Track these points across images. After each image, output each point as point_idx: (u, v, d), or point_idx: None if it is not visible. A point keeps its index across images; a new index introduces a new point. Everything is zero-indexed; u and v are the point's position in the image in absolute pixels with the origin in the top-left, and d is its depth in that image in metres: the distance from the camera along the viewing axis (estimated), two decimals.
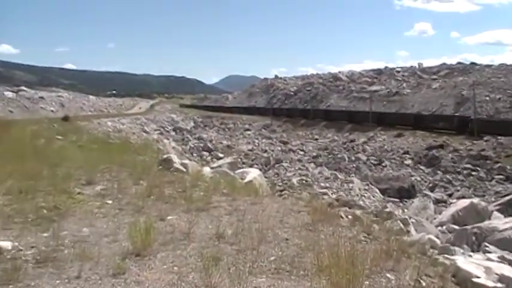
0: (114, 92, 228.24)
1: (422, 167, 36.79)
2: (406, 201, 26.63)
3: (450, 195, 28.67)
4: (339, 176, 29.65)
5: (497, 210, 18.15)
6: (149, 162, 14.05)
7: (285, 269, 5.35)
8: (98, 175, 11.06)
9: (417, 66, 79.12)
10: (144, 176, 11.08)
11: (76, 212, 7.80)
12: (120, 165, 12.63)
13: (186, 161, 15.43)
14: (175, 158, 14.26)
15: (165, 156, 14.96)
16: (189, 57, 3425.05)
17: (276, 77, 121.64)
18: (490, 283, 5.51)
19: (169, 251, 5.86)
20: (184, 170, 13.08)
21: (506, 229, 10.83)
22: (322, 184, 26.43)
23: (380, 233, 7.39)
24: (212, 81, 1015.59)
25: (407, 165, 37.97)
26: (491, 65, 68.16)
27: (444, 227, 16.14)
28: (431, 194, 27.92)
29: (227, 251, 5.92)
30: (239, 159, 41.53)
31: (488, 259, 7.22)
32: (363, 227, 7.55)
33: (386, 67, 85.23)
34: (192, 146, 55.09)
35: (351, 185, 26.44)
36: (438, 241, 9.64)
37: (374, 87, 73.40)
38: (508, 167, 33.09)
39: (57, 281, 4.89)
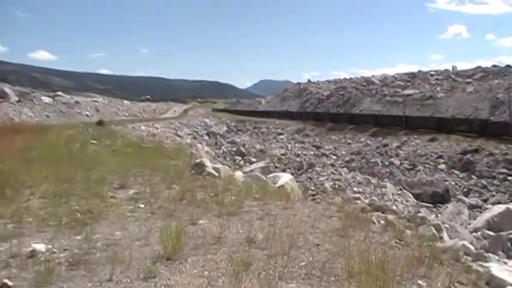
0: (148, 96, 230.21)
1: (456, 172, 36.24)
2: (439, 207, 26.33)
3: (485, 201, 28.25)
4: (372, 180, 29.45)
5: None
6: (182, 167, 14.12)
7: (315, 274, 5.31)
8: (131, 179, 11.14)
9: (451, 70, 77.83)
10: (176, 180, 11.13)
11: (109, 215, 7.86)
12: (153, 170, 12.71)
13: (219, 166, 15.45)
14: (207, 163, 14.28)
15: (197, 160, 15.01)
16: (222, 62, 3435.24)
17: (309, 81, 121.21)
18: None
19: (200, 256, 5.86)
20: (217, 174, 13.09)
21: None
22: (355, 189, 26.28)
23: (412, 238, 7.31)
24: (245, 85, 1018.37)
25: (441, 169, 37.45)
26: None
27: (479, 233, 15.90)
28: (466, 199, 27.52)
29: (258, 256, 5.90)
30: (272, 164, 41.49)
31: None
32: (395, 232, 7.46)
33: (419, 71, 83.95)
34: (225, 150, 55.26)
35: (384, 189, 26.26)
36: (472, 247, 9.49)
37: (407, 91, 72.51)
38: None
39: (89, 284, 4.94)
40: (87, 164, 12.90)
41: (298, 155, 51.13)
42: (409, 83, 77.65)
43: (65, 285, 4.90)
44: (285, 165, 44.02)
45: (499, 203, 24.88)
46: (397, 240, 6.94)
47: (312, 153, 52.41)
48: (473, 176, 34.24)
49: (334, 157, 49.07)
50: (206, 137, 68.40)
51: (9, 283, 4.79)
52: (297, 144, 59.95)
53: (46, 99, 59.18)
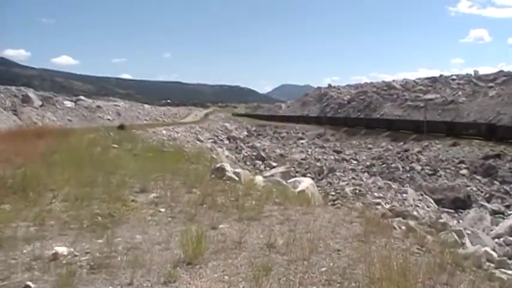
0: (168, 101, 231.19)
1: (478, 177, 35.88)
2: (461, 212, 26.10)
3: (508, 207, 27.90)
4: (393, 185, 29.29)
5: None
6: (202, 171, 14.14)
7: (336, 280, 5.28)
8: (152, 183, 11.17)
9: (473, 74, 77.15)
10: (197, 184, 11.14)
11: (130, 219, 7.89)
12: (174, 174, 12.72)
13: (239, 170, 15.44)
14: (228, 167, 14.28)
15: (218, 165, 15.01)
16: (243, 67, 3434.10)
17: (330, 85, 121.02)
18: None
19: (221, 260, 5.86)
20: (237, 178, 13.08)
21: None
22: (376, 194, 26.14)
23: (434, 245, 7.24)
24: (265, 90, 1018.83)
25: (463, 175, 37.10)
26: None
27: (501, 240, 15.78)
28: (488, 205, 27.23)
29: (278, 261, 5.88)
30: (292, 168, 41.49)
31: None
32: (416, 238, 7.39)
33: (441, 75, 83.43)
34: (245, 154, 55.35)
35: (404, 195, 26.09)
36: (495, 254, 9.40)
37: (429, 96, 72.09)
38: None
39: (110, 287, 4.97)
40: (109, 167, 12.97)
41: (319, 160, 51.00)
42: (430, 88, 77.18)
43: None
44: (305, 170, 43.91)
45: None
46: (419, 247, 6.88)
47: (333, 158, 52.27)
48: (495, 182, 33.87)
49: (355, 162, 48.88)
50: (226, 142, 68.61)
51: (32, 285, 4.83)
52: (317, 149, 59.85)
53: (68, 104, 59.77)
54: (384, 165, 44.55)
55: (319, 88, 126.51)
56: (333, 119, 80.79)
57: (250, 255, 6.08)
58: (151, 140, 31.67)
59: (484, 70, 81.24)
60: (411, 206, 24.05)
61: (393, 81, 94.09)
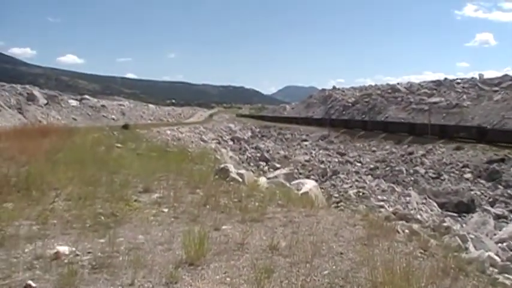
0: (173, 101, 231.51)
1: (482, 181, 35.72)
2: (464, 216, 25.98)
3: None
4: (397, 189, 29.25)
5: None
6: (206, 171, 14.12)
7: (338, 283, 5.26)
8: (155, 183, 11.16)
9: (478, 78, 76.84)
10: (200, 185, 11.13)
11: (132, 219, 7.88)
12: (177, 174, 12.71)
13: (243, 171, 15.41)
14: (231, 168, 14.25)
15: (221, 165, 14.98)
16: (248, 68, 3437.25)
17: (334, 87, 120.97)
18: None
19: (223, 262, 5.84)
20: (241, 180, 13.05)
21: None
22: (379, 197, 26.11)
23: (437, 249, 7.21)
24: (270, 91, 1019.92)
25: (467, 179, 36.96)
26: None
27: (505, 244, 15.68)
28: (492, 209, 27.08)
29: (280, 263, 5.86)
30: (296, 170, 41.42)
31: None
32: (420, 242, 7.35)
33: (446, 78, 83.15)
34: (249, 155, 55.34)
35: (408, 198, 26.05)
36: (498, 259, 9.32)
37: (433, 99, 71.89)
38: None
39: (111, 287, 4.95)
40: (112, 167, 12.98)
41: (323, 162, 50.97)
42: (435, 91, 76.99)
43: None
44: (309, 172, 43.90)
45: None
46: (422, 251, 6.84)
47: (336, 160, 52.21)
48: (499, 186, 33.72)
49: (359, 164, 48.80)
50: (231, 142, 68.68)
51: (33, 284, 4.82)
52: (321, 151, 59.77)
53: (73, 102, 60.01)
54: (387, 168, 44.46)
55: (323, 90, 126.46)
56: (342, 121, 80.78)
57: (252, 257, 6.06)
58: (156, 140, 31.71)
59: (489, 74, 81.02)
60: (415, 209, 24.00)
61: (398, 84, 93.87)
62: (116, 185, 10.21)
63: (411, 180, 37.91)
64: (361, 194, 27.08)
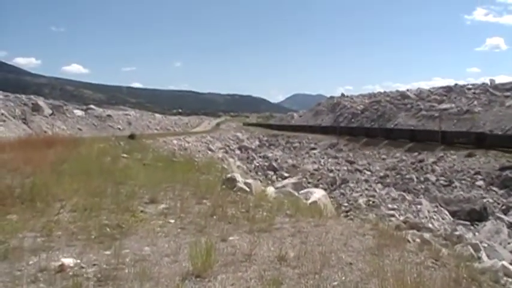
0: (180, 110, 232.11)
1: (495, 189, 35.58)
2: (477, 225, 25.86)
3: None
4: (407, 197, 29.19)
5: None
6: (213, 181, 14.09)
7: None
8: (161, 194, 11.15)
9: (489, 83, 76.52)
10: (207, 195, 11.12)
11: (138, 230, 7.86)
12: (184, 184, 12.70)
13: (250, 181, 15.38)
14: (239, 178, 14.23)
15: (229, 175, 14.96)
16: (255, 76, 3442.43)
17: (343, 95, 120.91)
18: None
19: (230, 273, 5.81)
20: (248, 189, 13.02)
21: None
22: (390, 205, 26.07)
23: (449, 258, 7.15)
24: (278, 99, 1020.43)
25: (479, 186, 36.81)
26: None
27: None
28: (505, 217, 26.93)
29: (289, 274, 5.83)
30: (304, 179, 41.37)
31: None
32: (431, 251, 7.30)
33: (456, 84, 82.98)
34: (256, 164, 55.38)
35: (419, 206, 25.98)
36: None
37: (443, 106, 71.73)
38: None
39: None
40: (118, 177, 12.96)
41: (331, 171, 50.92)
42: (445, 97, 76.83)
43: None
44: (318, 181, 43.88)
45: None
46: (433, 260, 6.80)
47: (346, 168, 52.14)
48: None
49: (368, 173, 48.70)
50: (238, 152, 68.74)
51: None
52: (330, 160, 59.73)
53: (79, 112, 60.22)
54: (398, 176, 44.36)
55: (332, 97, 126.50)
56: (351, 129, 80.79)
57: (260, 268, 6.03)
58: (162, 150, 31.70)
59: (500, 79, 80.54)
60: (426, 217, 23.94)
61: (407, 90, 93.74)
62: (122, 196, 10.21)
63: (422, 188, 37.81)
64: (371, 202, 27.06)
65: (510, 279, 7.34)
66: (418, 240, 8.79)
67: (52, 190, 10.10)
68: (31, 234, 7.29)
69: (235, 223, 8.59)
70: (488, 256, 12.23)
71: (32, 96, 57.84)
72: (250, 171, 47.86)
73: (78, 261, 6.04)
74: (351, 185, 38.85)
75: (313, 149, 72.40)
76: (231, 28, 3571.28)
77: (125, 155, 21.57)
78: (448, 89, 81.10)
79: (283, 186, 20.08)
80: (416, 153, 52.94)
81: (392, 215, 22.33)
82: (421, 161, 49.03)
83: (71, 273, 5.61)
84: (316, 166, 54.44)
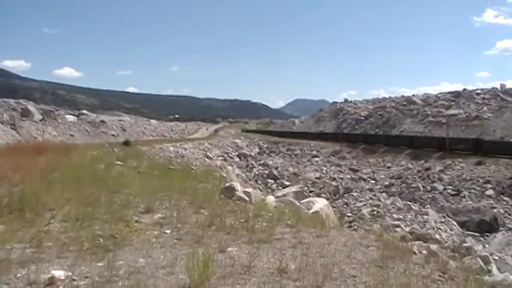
0: (176, 116, 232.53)
1: (506, 198, 35.52)
2: (487, 236, 25.87)
3: None
4: (413, 207, 29.20)
5: None
6: (211, 190, 14.12)
7: None
8: (157, 203, 11.14)
9: (499, 88, 76.59)
10: (205, 204, 11.12)
11: (133, 241, 7.84)
12: (181, 193, 12.71)
13: (250, 189, 15.40)
14: (238, 186, 14.24)
15: (227, 183, 14.98)
16: (255, 81, 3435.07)
17: (346, 100, 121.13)
18: None
19: (228, 286, 5.79)
20: (247, 198, 13.03)
21: None
22: (395, 215, 26.08)
23: (457, 271, 7.13)
24: (278, 105, 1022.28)
25: (489, 196, 36.78)
26: None
27: None
28: None
29: (289, 287, 5.82)
30: (306, 188, 41.45)
31: None
32: (438, 264, 7.29)
33: (464, 89, 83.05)
34: (256, 173, 55.44)
35: (425, 216, 25.99)
36: None
37: (451, 111, 71.76)
38: None
39: None
40: (112, 186, 12.97)
41: (334, 179, 50.97)
42: (453, 103, 76.88)
43: None
44: (320, 190, 43.90)
45: None
46: (441, 273, 6.78)
47: (349, 177, 52.20)
48: None
49: (373, 181, 48.75)
50: (237, 159, 68.81)
51: None
52: (332, 168, 59.78)
53: (71, 118, 60.25)
54: (403, 185, 44.39)
55: (334, 103, 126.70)
56: (354, 136, 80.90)
57: (260, 280, 6.01)
58: (158, 157, 31.75)
59: (511, 84, 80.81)
60: (433, 228, 23.93)
61: (413, 95, 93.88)
62: (116, 205, 10.20)
63: (429, 197, 37.81)
64: (375, 212, 27.08)
65: None
66: (424, 252, 8.78)
67: (42, 199, 10.07)
68: (19, 245, 7.26)
69: (233, 233, 8.58)
70: (499, 269, 12.25)
71: (21, 101, 57.82)
72: (249, 179, 47.96)
73: (70, 273, 6.02)
74: (355, 194, 38.89)
75: (315, 156, 72.45)
76: (230, 31, 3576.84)
77: (119, 163, 21.59)
78: (456, 94, 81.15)
79: (284, 195, 20.12)
80: (422, 161, 52.95)
81: (398, 226, 22.32)
82: (427, 169, 49.03)
83: (61, 287, 5.59)
84: (318, 174, 54.50)
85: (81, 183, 12.52)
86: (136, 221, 9.22)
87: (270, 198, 15.42)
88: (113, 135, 63.52)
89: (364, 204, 31.95)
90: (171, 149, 49.44)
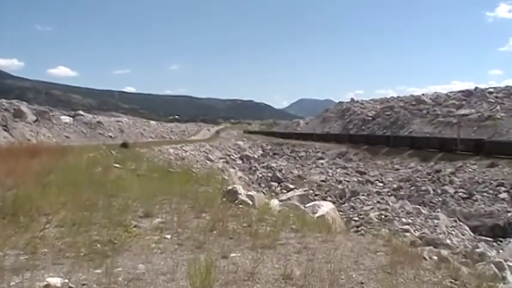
0: (176, 116, 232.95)
1: None
2: (501, 241, 25.83)
3: None
4: (423, 210, 29.19)
5: None
6: (212, 194, 14.11)
7: None
8: (157, 207, 11.15)
9: None
10: (206, 208, 11.13)
11: (132, 246, 7.84)
12: (181, 197, 12.72)
13: (253, 193, 15.41)
14: (240, 189, 14.25)
15: (229, 187, 14.98)
16: (258, 80, 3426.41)
17: (352, 100, 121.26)
18: None
19: None
20: (250, 202, 13.04)
21: None
22: (404, 220, 26.08)
23: (469, 278, 7.12)
24: (282, 105, 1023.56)
25: (503, 199, 36.71)
26: None
27: None
28: None
29: None
30: (311, 191, 41.52)
31: None
32: (450, 270, 7.27)
33: (476, 88, 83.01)
34: (259, 175, 55.46)
35: (436, 221, 25.97)
36: None
37: (463, 111, 71.70)
38: None
39: None
40: (110, 189, 12.96)
41: (340, 182, 51.00)
42: (464, 102, 76.85)
43: None
44: (326, 193, 43.94)
45: None
46: (452, 280, 6.77)
47: (356, 179, 52.24)
48: None
49: (380, 184, 48.78)
50: (239, 161, 68.88)
51: None
52: (338, 170, 59.82)
53: (66, 119, 60.23)
54: (412, 188, 44.40)
55: (340, 103, 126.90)
56: (362, 137, 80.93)
57: (264, 287, 6.01)
58: (157, 160, 31.76)
59: None
60: (443, 233, 23.91)
61: (423, 95, 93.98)
62: (114, 210, 10.19)
63: (439, 201, 37.81)
64: (383, 216, 27.07)
65: None
66: (435, 257, 8.77)
67: (37, 203, 10.07)
68: (13, 251, 7.25)
69: (236, 239, 8.59)
70: None
71: (14, 101, 57.73)
72: (252, 182, 48.01)
73: (66, 280, 6.01)
74: (362, 197, 38.86)
75: (321, 158, 72.56)
76: (232, 28, 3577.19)
77: (117, 165, 21.60)
78: (468, 93, 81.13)
79: (289, 199, 20.19)
80: (432, 163, 52.94)
81: (407, 230, 22.33)
82: (438, 171, 49.01)
83: None
84: (323, 177, 54.51)
85: (77, 187, 12.52)
86: (135, 226, 9.22)
87: (274, 202, 15.40)
88: (111, 136, 63.55)
89: (372, 208, 31.91)
90: (171, 151, 49.50)
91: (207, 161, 52.35)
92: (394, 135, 72.46)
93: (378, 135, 78.04)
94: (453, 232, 24.88)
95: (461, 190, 40.38)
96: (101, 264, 6.63)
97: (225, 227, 9.29)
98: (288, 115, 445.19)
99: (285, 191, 41.08)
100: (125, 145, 38.88)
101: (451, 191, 40.44)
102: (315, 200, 28.39)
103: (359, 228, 23.29)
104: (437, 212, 30.34)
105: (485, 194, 38.48)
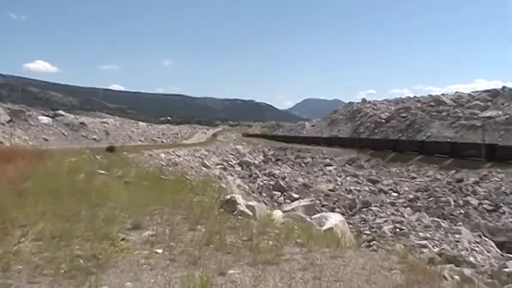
0: (168, 118, 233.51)
1: None
2: None
3: None
4: (443, 224, 29.17)
5: None
6: (209, 204, 14.14)
7: None
8: (147, 218, 11.16)
9: None
10: (202, 220, 11.13)
11: (118, 262, 7.83)
12: (174, 207, 12.74)
13: (253, 203, 15.44)
14: (240, 199, 14.27)
15: (228, 196, 15.00)
16: (259, 78, 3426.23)
17: (364, 100, 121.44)
18: None
19: None
20: (251, 213, 13.08)
21: None
22: (421, 234, 26.08)
23: None
24: (286, 106, 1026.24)
25: None
26: None
27: None
28: None
29: None
30: (317, 201, 41.62)
31: None
32: None
33: (504, 87, 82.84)
34: (261, 184, 55.46)
35: (457, 236, 25.94)
36: None
37: (488, 113, 71.67)
38: None
39: None
40: (94, 199, 12.97)
41: (350, 191, 51.08)
42: (489, 103, 76.83)
43: None
44: (334, 204, 44.03)
45: None
46: None
47: (367, 189, 52.29)
48: None
49: (395, 194, 48.83)
50: (238, 168, 68.92)
51: None
52: (348, 178, 59.91)
53: (44, 119, 60.36)
54: (431, 199, 44.41)
55: (350, 103, 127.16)
56: (374, 142, 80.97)
57: None
58: (147, 165, 31.83)
59: None
60: (466, 250, 23.88)
61: (442, 95, 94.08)
62: (99, 221, 10.18)
63: (461, 213, 37.80)
64: (398, 230, 27.11)
65: None
66: (456, 277, 8.78)
67: (11, 214, 10.05)
68: None
69: (235, 253, 8.58)
70: None
71: None
72: (253, 191, 47.98)
73: None
74: (374, 208, 38.94)
75: (329, 165, 72.65)
76: (231, 21, 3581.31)
77: (102, 172, 21.67)
78: (494, 93, 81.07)
79: (293, 210, 20.21)
80: (453, 171, 52.96)
81: (425, 246, 22.33)
82: (459, 180, 49.01)
83: None
84: (331, 186, 54.64)
85: (57, 196, 12.53)
86: (122, 239, 9.22)
87: (277, 213, 15.42)
88: (95, 139, 63.79)
89: (385, 221, 31.98)
90: (163, 156, 49.59)
91: (203, 168, 52.35)
92: (402, 140, 72.98)
93: (388, 139, 78.05)
94: (477, 248, 24.84)
95: (486, 202, 40.34)
96: (84, 282, 6.62)
97: (222, 240, 9.28)
98: (292, 117, 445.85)
99: (288, 201, 41.15)
100: (111, 149, 39.05)
101: (475, 202, 40.42)
102: (322, 211, 28.48)
103: (371, 243, 23.29)
104: (459, 225, 30.33)
105: None
